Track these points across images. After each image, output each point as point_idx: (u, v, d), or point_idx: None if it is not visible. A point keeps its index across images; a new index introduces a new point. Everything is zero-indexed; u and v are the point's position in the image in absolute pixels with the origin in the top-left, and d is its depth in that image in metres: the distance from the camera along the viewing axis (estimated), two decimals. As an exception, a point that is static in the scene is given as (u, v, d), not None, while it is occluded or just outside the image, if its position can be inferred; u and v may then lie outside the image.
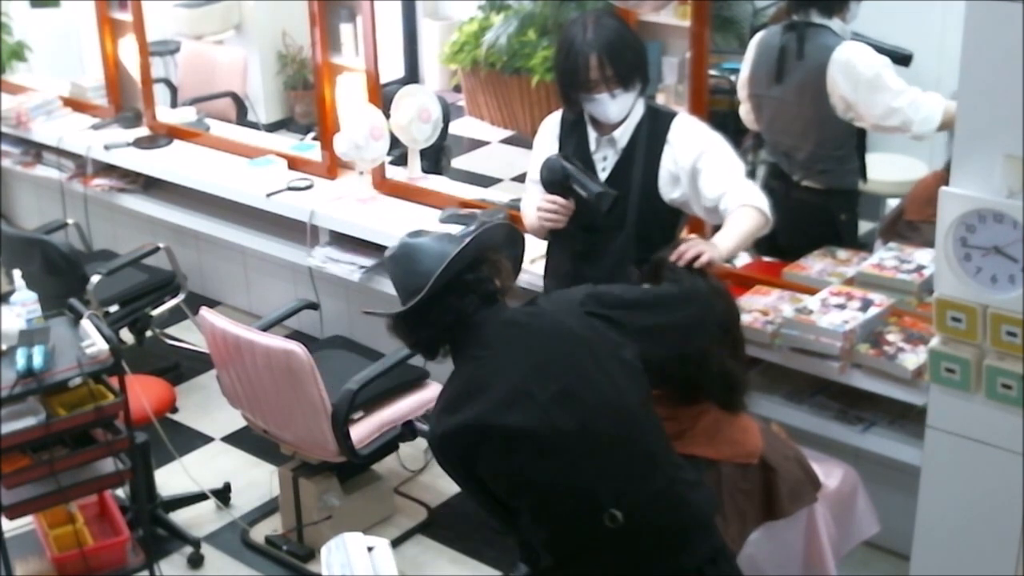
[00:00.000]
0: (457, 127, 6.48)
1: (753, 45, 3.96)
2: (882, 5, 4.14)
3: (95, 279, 4.48)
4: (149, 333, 4.87)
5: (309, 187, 4.71)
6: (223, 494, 4.14)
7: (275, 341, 3.53)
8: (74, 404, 3.34)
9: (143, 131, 5.41)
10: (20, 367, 3.22)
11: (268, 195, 4.69)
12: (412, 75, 7.67)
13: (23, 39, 6.21)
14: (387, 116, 4.48)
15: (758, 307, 3.51)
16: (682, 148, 3.20)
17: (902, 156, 4.49)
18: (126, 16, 5.35)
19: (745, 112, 4.04)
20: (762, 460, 2.83)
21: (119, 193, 5.34)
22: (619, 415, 2.44)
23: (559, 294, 2.74)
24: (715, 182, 3.13)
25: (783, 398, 3.50)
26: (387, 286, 2.67)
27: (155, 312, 4.73)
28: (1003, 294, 2.65)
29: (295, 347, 3.46)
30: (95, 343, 3.34)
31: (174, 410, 4.23)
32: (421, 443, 3.90)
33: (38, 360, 3.24)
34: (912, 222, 3.81)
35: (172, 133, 5.37)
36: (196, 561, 3.88)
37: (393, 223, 4.28)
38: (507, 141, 6.98)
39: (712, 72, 4.06)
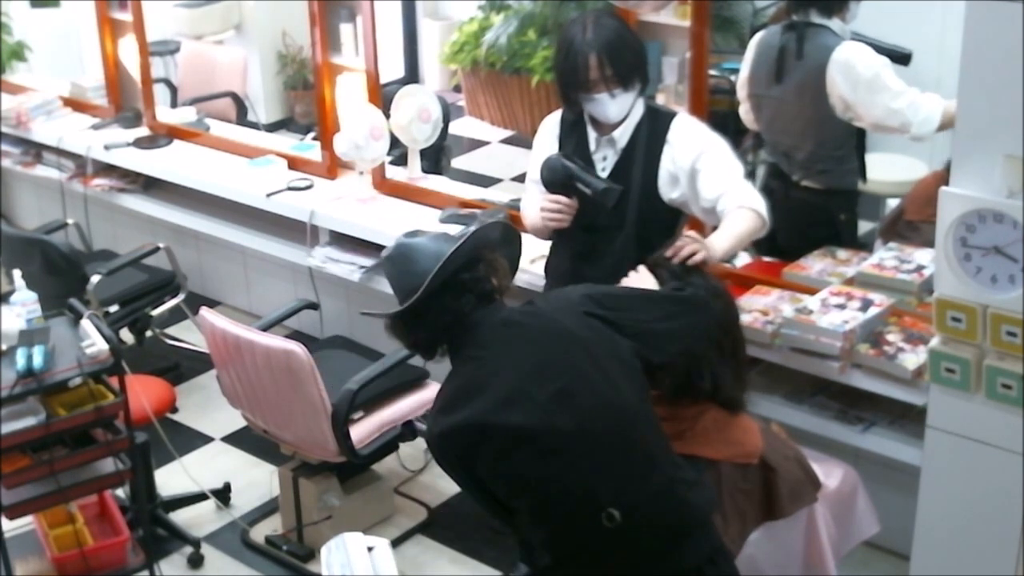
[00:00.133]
0: (457, 127, 6.48)
1: (753, 45, 3.96)
2: (882, 5, 4.14)
3: (95, 279, 4.47)
4: (149, 333, 4.86)
5: (309, 187, 4.71)
6: (223, 494, 4.14)
7: (275, 341, 3.53)
8: (74, 404, 3.34)
9: (143, 131, 5.41)
10: (20, 367, 3.22)
11: (268, 195, 4.69)
12: (412, 75, 7.67)
13: (23, 39, 6.21)
14: (387, 116, 4.48)
15: (758, 307, 3.51)
16: (681, 148, 3.21)
17: (902, 156, 4.49)
18: (126, 16, 5.35)
19: (745, 112, 4.04)
20: (762, 460, 2.83)
21: (119, 193, 5.34)
22: (617, 415, 2.44)
23: (556, 294, 2.74)
24: (713, 183, 3.13)
25: (783, 398, 3.51)
26: (387, 286, 2.67)
27: (155, 312, 4.73)
28: (1003, 294, 2.65)
29: (295, 347, 3.46)
30: (95, 343, 3.34)
31: (174, 410, 4.23)
32: (421, 443, 3.91)
33: (38, 360, 3.24)
34: (912, 222, 3.81)
35: (172, 133, 5.37)
36: (196, 561, 3.88)
37: (393, 223, 4.28)
38: (507, 141, 6.98)
39: (712, 72, 4.06)
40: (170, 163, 5.16)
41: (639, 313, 2.57)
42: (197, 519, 4.06)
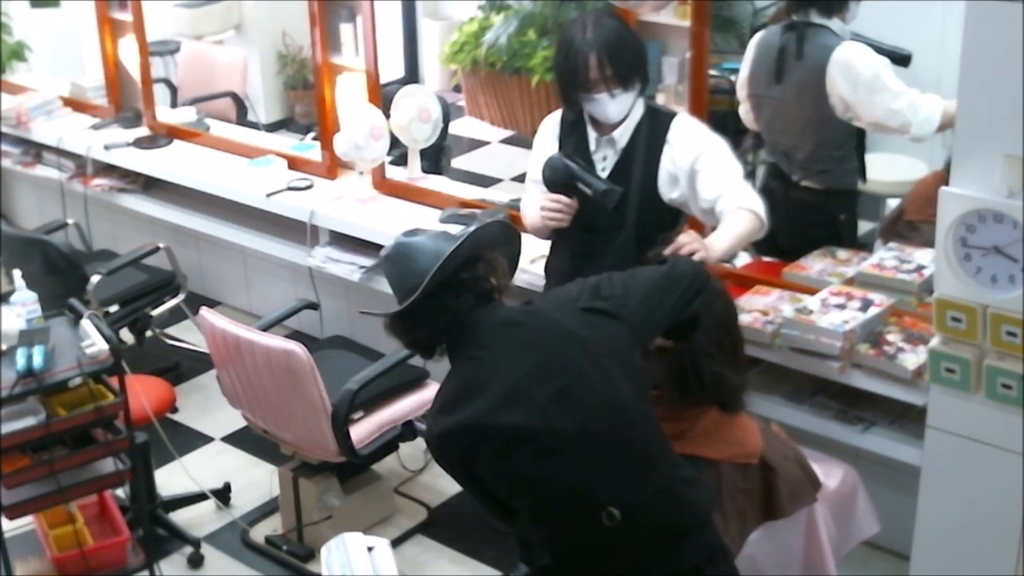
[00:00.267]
0: (457, 127, 6.48)
1: (753, 45, 3.96)
2: (882, 5, 4.14)
3: (95, 279, 4.48)
4: (149, 333, 4.86)
5: (309, 187, 4.71)
6: (223, 494, 4.14)
7: (275, 341, 3.53)
8: (74, 404, 3.34)
9: (143, 131, 5.41)
10: (20, 367, 3.22)
11: (268, 195, 4.69)
12: (412, 75, 7.67)
13: (23, 39, 6.21)
14: (387, 116, 4.48)
15: (758, 307, 3.51)
16: (681, 148, 3.21)
17: (902, 156, 4.49)
18: (126, 16, 5.35)
19: (744, 112, 4.04)
20: (762, 460, 2.83)
21: (119, 193, 5.34)
22: (617, 414, 2.44)
23: (555, 293, 2.74)
24: (712, 184, 3.14)
25: (783, 398, 3.51)
26: (387, 286, 2.67)
27: (155, 312, 4.73)
28: (1003, 294, 2.65)
29: (295, 347, 3.46)
30: (95, 343, 3.34)
31: (174, 410, 4.23)
32: (421, 443, 3.91)
33: (38, 360, 3.24)
34: (912, 222, 3.81)
35: (172, 133, 5.37)
36: (196, 561, 3.88)
37: (393, 223, 4.27)
38: (507, 141, 6.98)
39: (712, 72, 4.06)
40: (170, 163, 5.16)
41: (634, 294, 2.54)
42: (197, 519, 4.06)
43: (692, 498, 2.50)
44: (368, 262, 4.39)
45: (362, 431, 3.67)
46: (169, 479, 4.11)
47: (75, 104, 5.72)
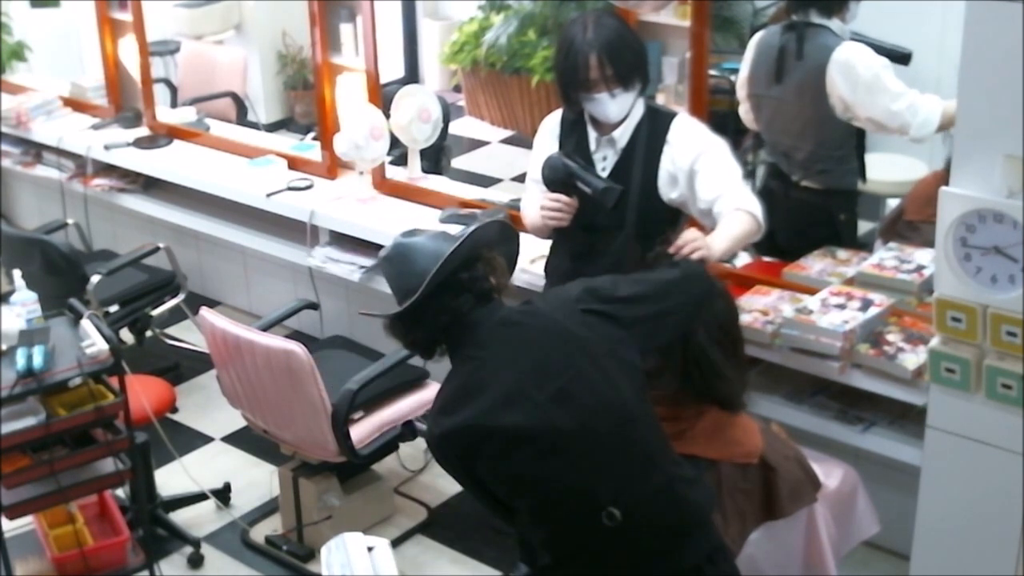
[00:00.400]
0: (457, 127, 6.48)
1: (752, 45, 3.96)
2: (882, 5, 4.14)
3: (95, 279, 4.47)
4: (149, 333, 4.86)
5: (309, 187, 4.71)
6: (223, 494, 4.14)
7: (275, 341, 3.53)
8: (74, 404, 3.34)
9: (143, 131, 5.41)
10: (20, 367, 3.22)
11: (268, 195, 4.69)
12: (412, 75, 7.67)
13: (23, 39, 6.21)
14: (387, 116, 4.48)
15: (758, 307, 3.51)
16: (681, 149, 3.21)
17: (902, 156, 4.49)
18: (126, 16, 5.35)
19: (744, 112, 4.03)
20: (762, 460, 2.83)
21: (119, 193, 5.34)
22: (617, 414, 2.44)
23: (554, 293, 2.74)
24: (711, 185, 3.14)
25: (783, 398, 3.50)
26: (387, 286, 2.67)
27: (155, 312, 4.73)
28: (1003, 294, 2.65)
29: (295, 347, 3.46)
30: (95, 343, 3.34)
31: (174, 410, 4.23)
32: (421, 443, 3.91)
33: (38, 360, 3.24)
34: (912, 222, 3.81)
35: (172, 133, 5.37)
36: (196, 561, 3.88)
37: (393, 223, 4.27)
38: (507, 141, 6.98)
39: (712, 72, 4.05)
40: (170, 163, 5.16)
41: (636, 301, 2.55)
42: (197, 519, 4.06)
43: (692, 498, 2.50)
44: (368, 262, 4.39)
45: (362, 431, 3.67)
46: (169, 479, 4.11)
47: (75, 104, 5.73)
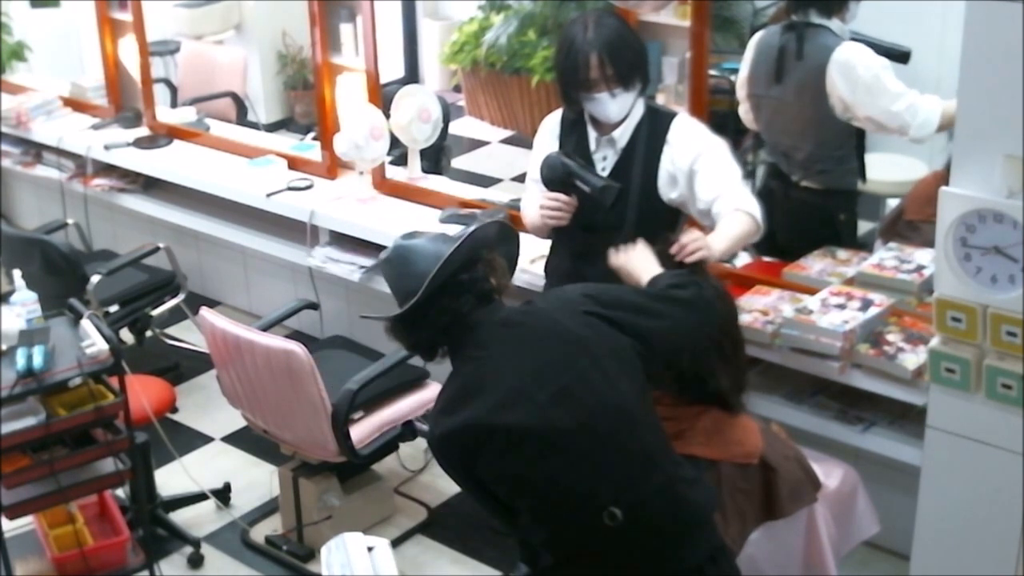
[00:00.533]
0: (457, 127, 6.48)
1: (752, 45, 3.96)
2: (882, 5, 4.14)
3: (95, 279, 4.47)
4: (149, 333, 4.86)
5: (309, 187, 4.71)
6: (223, 494, 4.14)
7: (275, 341, 3.53)
8: (74, 404, 3.34)
9: (143, 131, 5.41)
10: (20, 367, 3.22)
11: (268, 195, 4.69)
12: (412, 75, 7.67)
13: (23, 39, 6.21)
14: (387, 116, 4.48)
15: (758, 307, 3.51)
16: (680, 149, 3.21)
17: (902, 156, 4.49)
18: (126, 16, 5.35)
19: (744, 112, 4.03)
20: (762, 460, 2.83)
21: (119, 193, 5.34)
22: (617, 414, 2.44)
23: (555, 293, 2.74)
24: (710, 185, 3.14)
25: (783, 398, 3.51)
26: (387, 286, 2.67)
27: (155, 312, 4.73)
28: (1003, 294, 2.65)
29: (295, 347, 3.46)
30: (95, 343, 3.34)
31: (174, 410, 4.23)
32: (421, 443, 3.91)
33: (38, 360, 3.24)
34: (912, 222, 3.81)
35: (172, 133, 5.37)
36: (196, 561, 3.88)
37: (393, 223, 4.28)
38: (507, 141, 6.98)
39: (712, 72, 4.05)
40: (170, 163, 5.16)
41: (641, 313, 2.55)
42: (197, 519, 4.06)
43: (693, 498, 2.50)
44: (368, 262, 4.39)
45: (362, 431, 3.67)
46: (169, 479, 4.11)
47: (75, 104, 5.72)
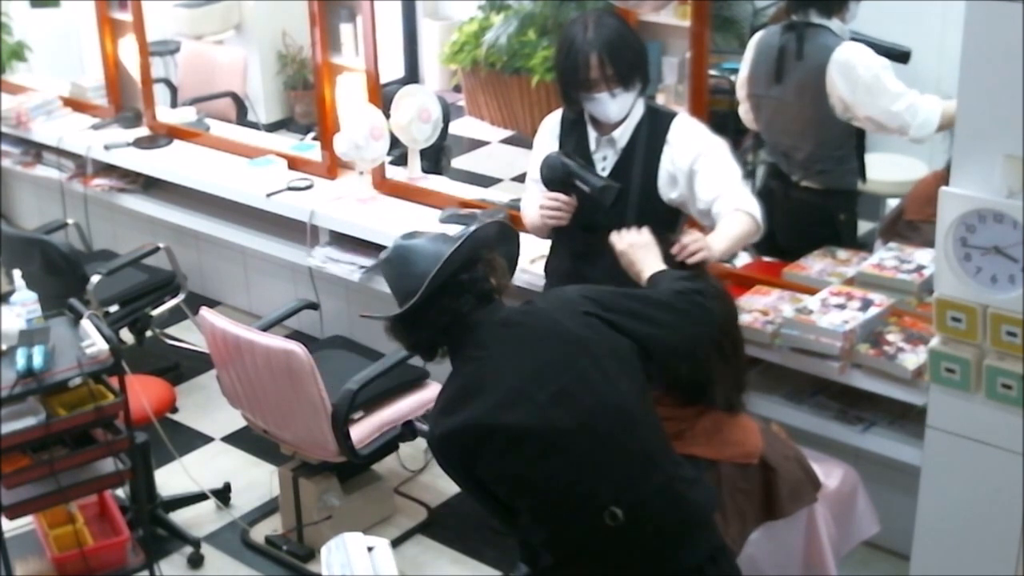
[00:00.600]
0: (457, 127, 6.48)
1: (752, 45, 3.96)
2: (882, 5, 4.14)
3: (95, 279, 4.47)
4: (149, 333, 4.86)
5: (309, 187, 4.71)
6: (223, 494, 4.14)
7: (275, 341, 3.53)
8: (74, 404, 3.34)
9: (143, 131, 5.41)
10: (20, 367, 3.22)
11: (268, 195, 4.69)
12: (412, 75, 7.67)
13: (23, 39, 6.21)
14: (387, 116, 4.48)
15: (758, 307, 3.51)
16: (680, 149, 3.21)
17: (902, 156, 4.49)
18: (126, 16, 5.35)
19: (744, 112, 4.03)
20: (762, 460, 2.83)
21: (119, 193, 5.34)
22: (617, 414, 2.44)
23: (555, 293, 2.74)
24: (710, 185, 3.14)
25: (783, 398, 3.51)
26: (387, 286, 2.67)
27: (155, 312, 4.73)
28: (1003, 294, 2.65)
29: (295, 347, 3.46)
30: (95, 343, 3.34)
31: (174, 410, 4.23)
32: (421, 443, 3.90)
33: (38, 360, 3.24)
34: (912, 222, 3.81)
35: (172, 133, 5.37)
36: (196, 561, 3.88)
37: (393, 223, 4.28)
38: (507, 141, 6.98)
39: (712, 72, 4.06)
40: (170, 163, 5.16)
41: (640, 318, 2.54)
42: (197, 519, 4.06)
43: (693, 498, 2.50)
44: (368, 262, 4.39)
45: (362, 431, 3.67)
46: (169, 479, 4.11)
47: (75, 104, 5.72)
